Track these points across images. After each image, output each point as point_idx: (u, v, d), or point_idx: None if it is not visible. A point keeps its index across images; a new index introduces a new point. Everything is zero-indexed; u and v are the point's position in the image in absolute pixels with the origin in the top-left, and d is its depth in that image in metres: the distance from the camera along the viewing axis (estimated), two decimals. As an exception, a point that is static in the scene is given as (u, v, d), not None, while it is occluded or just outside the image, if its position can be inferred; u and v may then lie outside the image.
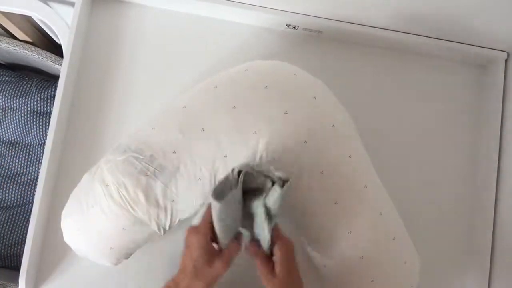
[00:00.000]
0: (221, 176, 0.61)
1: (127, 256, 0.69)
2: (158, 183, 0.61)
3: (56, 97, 0.74)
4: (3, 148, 0.96)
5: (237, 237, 0.58)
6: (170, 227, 0.65)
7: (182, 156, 0.61)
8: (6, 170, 0.96)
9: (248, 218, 0.59)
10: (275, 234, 0.58)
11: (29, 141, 0.95)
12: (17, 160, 0.95)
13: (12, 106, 0.93)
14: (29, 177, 0.95)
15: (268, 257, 0.58)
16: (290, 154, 0.61)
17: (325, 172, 0.62)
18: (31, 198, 0.95)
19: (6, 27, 0.89)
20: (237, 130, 0.60)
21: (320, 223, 0.64)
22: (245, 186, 0.57)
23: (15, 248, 0.92)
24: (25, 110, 0.92)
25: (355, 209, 0.64)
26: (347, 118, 0.67)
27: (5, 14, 0.84)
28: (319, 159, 0.61)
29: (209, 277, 0.55)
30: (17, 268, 0.86)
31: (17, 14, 0.80)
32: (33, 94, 0.92)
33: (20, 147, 0.96)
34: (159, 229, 0.64)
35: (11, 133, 0.95)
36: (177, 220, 0.65)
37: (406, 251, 0.68)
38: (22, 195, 0.95)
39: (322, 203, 0.63)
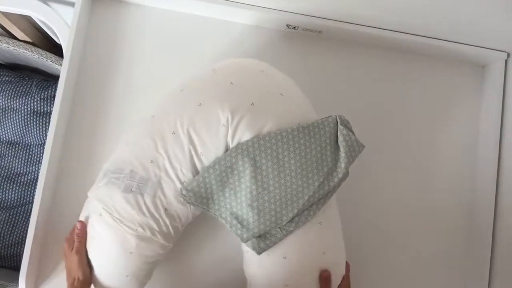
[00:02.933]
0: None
1: (148, 277, 0.68)
2: (146, 195, 0.61)
3: (56, 97, 0.74)
4: (3, 148, 0.96)
5: None
6: (175, 234, 0.65)
7: (161, 163, 0.62)
8: (6, 170, 0.96)
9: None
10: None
11: (29, 141, 0.95)
12: (17, 160, 0.95)
13: (12, 106, 0.93)
14: (29, 177, 0.95)
15: None
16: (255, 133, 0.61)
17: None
18: (31, 198, 0.94)
19: (6, 27, 0.89)
20: (205, 126, 0.61)
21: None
22: None
23: (15, 248, 0.92)
24: (25, 110, 0.92)
25: None
26: (314, 117, 0.66)
27: (5, 14, 0.84)
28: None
29: None
30: (17, 268, 0.86)
31: (17, 14, 0.80)
32: (33, 94, 0.92)
33: (20, 147, 0.96)
34: (165, 240, 0.64)
35: (11, 133, 0.95)
36: (180, 226, 0.66)
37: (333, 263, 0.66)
38: (22, 195, 0.95)
39: None
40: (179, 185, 0.62)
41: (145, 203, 0.61)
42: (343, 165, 0.62)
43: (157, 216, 0.62)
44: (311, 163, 0.61)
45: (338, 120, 0.64)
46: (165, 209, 0.63)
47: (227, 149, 0.61)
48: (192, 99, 0.62)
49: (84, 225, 0.65)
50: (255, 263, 0.66)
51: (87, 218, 0.66)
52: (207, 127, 0.61)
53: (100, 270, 0.65)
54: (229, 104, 0.60)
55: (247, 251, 0.67)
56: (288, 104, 0.64)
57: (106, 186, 0.62)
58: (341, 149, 0.62)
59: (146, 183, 0.62)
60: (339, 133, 0.63)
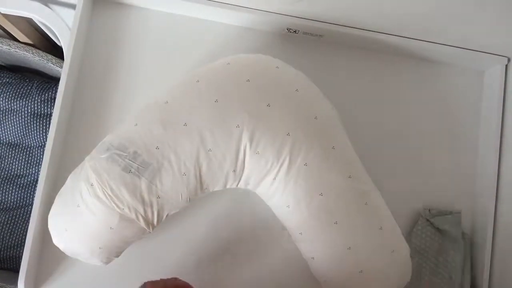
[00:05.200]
0: (205, 170, 0.62)
1: (118, 254, 0.69)
2: (143, 179, 0.61)
3: (56, 99, 0.74)
4: (3, 150, 0.96)
5: None
6: (158, 222, 0.65)
7: (166, 151, 0.61)
8: (6, 172, 0.95)
9: None
10: None
11: (29, 143, 0.95)
12: (17, 162, 0.95)
13: (13, 108, 0.93)
14: (29, 179, 0.95)
15: None
16: (273, 147, 0.61)
17: (309, 164, 0.62)
18: (30, 200, 0.94)
19: (7, 29, 0.89)
20: (219, 124, 0.61)
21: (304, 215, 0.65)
22: None
23: (14, 250, 0.92)
24: (26, 112, 0.92)
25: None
26: (331, 109, 0.67)
27: (6, 16, 0.84)
28: (303, 151, 0.62)
29: None
30: (16, 270, 0.86)
31: (18, 16, 0.80)
32: (34, 96, 0.92)
33: (20, 149, 0.96)
34: (147, 226, 0.64)
35: (11, 135, 0.95)
36: (165, 215, 0.65)
37: (394, 241, 0.68)
38: (22, 197, 0.95)
39: (306, 194, 0.63)
40: (178, 176, 0.62)
41: (140, 186, 0.61)
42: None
43: (147, 201, 0.62)
44: None
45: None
46: (158, 197, 0.62)
47: (238, 149, 0.62)
48: (208, 94, 0.62)
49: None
50: (324, 263, 0.67)
51: (76, 183, 0.64)
52: (221, 126, 0.61)
53: (78, 235, 0.64)
54: (245, 105, 0.61)
55: (312, 257, 0.68)
56: (304, 100, 0.64)
57: (106, 160, 0.62)
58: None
59: (147, 167, 0.61)
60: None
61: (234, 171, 0.64)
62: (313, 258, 0.68)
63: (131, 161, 0.61)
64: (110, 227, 0.63)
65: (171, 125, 0.62)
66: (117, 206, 0.61)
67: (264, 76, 0.64)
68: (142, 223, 0.63)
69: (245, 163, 0.63)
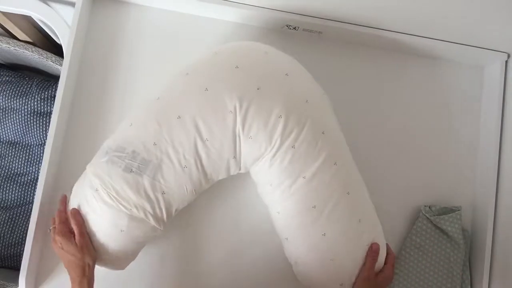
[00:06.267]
0: (206, 160, 0.62)
1: (133, 257, 0.69)
2: (145, 177, 0.62)
3: (56, 97, 0.74)
4: (3, 148, 0.96)
5: None
6: (167, 218, 0.65)
7: (163, 146, 0.62)
8: (6, 170, 0.95)
9: None
10: None
11: (29, 141, 0.95)
12: (17, 160, 0.95)
13: (13, 106, 0.93)
14: (29, 177, 0.95)
15: None
16: (265, 131, 0.61)
17: (296, 148, 0.62)
18: (31, 198, 0.94)
19: (6, 27, 0.89)
20: (212, 112, 0.61)
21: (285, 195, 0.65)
22: None
23: (15, 248, 0.92)
24: (26, 110, 0.92)
25: None
26: (322, 94, 0.67)
27: (6, 14, 0.84)
28: (293, 134, 0.62)
29: None
30: (17, 268, 0.86)
31: (17, 14, 0.80)
32: (34, 94, 0.92)
33: (20, 147, 0.96)
34: (157, 223, 0.64)
35: (12, 133, 0.95)
36: (174, 210, 0.66)
37: (372, 236, 0.67)
38: (22, 195, 0.95)
39: (289, 176, 0.63)
40: (179, 170, 0.62)
41: (143, 184, 0.62)
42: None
43: (153, 198, 0.62)
44: None
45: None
46: (163, 192, 0.63)
47: (234, 135, 0.62)
48: (198, 84, 0.63)
49: (77, 211, 0.64)
50: (297, 245, 0.67)
51: (81, 192, 0.65)
52: (214, 113, 0.61)
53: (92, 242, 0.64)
54: (236, 90, 0.61)
55: (286, 238, 0.67)
56: (294, 83, 0.64)
57: (106, 164, 0.62)
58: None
59: (147, 165, 0.62)
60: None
61: (235, 157, 0.64)
62: (287, 238, 0.67)
63: (131, 160, 0.62)
64: (121, 230, 0.63)
65: (165, 120, 0.62)
66: (124, 207, 0.62)
67: (252, 62, 0.64)
68: (151, 221, 0.63)
69: (241, 148, 0.63)
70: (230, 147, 0.63)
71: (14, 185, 0.95)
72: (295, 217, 0.65)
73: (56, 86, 0.85)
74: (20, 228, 0.93)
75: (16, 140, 0.96)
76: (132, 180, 0.62)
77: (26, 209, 0.94)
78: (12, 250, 0.92)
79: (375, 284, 0.65)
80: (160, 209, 0.64)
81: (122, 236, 0.64)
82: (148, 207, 0.62)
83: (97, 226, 0.63)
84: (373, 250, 0.66)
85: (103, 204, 0.62)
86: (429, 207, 0.79)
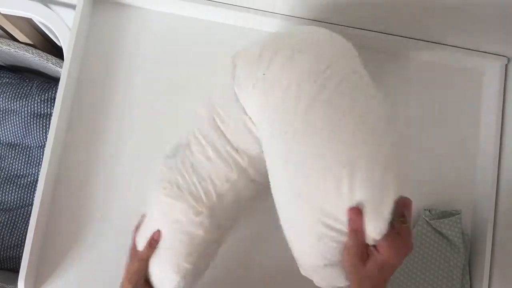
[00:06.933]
0: (228, 131, 0.61)
1: (196, 271, 0.64)
2: (178, 157, 0.64)
3: (56, 99, 0.74)
4: (3, 150, 0.96)
5: None
6: (207, 200, 0.61)
7: (190, 128, 0.64)
8: (6, 172, 0.96)
9: None
10: None
11: (29, 143, 0.95)
12: (17, 162, 0.95)
13: (13, 108, 0.93)
14: (29, 179, 0.95)
15: None
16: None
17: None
18: (31, 200, 0.94)
19: (7, 29, 0.89)
20: (222, 89, 0.63)
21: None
22: None
23: (15, 250, 0.92)
24: (26, 112, 0.92)
25: None
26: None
27: (6, 16, 0.84)
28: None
29: None
30: (16, 270, 0.86)
31: (18, 16, 0.80)
32: (34, 96, 0.92)
33: (20, 149, 0.96)
34: (195, 200, 0.60)
35: (12, 135, 0.95)
36: (212, 189, 0.61)
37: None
38: (22, 197, 0.95)
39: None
40: (204, 143, 0.62)
41: (175, 162, 0.63)
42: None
43: (183, 171, 0.62)
44: None
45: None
46: (192, 164, 0.62)
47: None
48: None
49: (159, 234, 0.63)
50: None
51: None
52: (223, 89, 0.62)
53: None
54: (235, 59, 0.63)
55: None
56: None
57: (162, 166, 0.65)
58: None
59: (179, 147, 0.64)
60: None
61: (246, 114, 0.59)
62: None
63: (173, 153, 0.65)
64: (177, 220, 0.61)
65: (199, 110, 0.65)
66: (162, 187, 0.62)
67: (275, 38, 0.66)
68: (186, 194, 0.61)
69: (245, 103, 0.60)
70: (240, 108, 0.60)
71: (14, 187, 0.95)
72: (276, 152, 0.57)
73: (56, 88, 0.85)
74: (19, 230, 0.93)
75: (16, 142, 0.96)
76: (168, 162, 0.64)
77: (26, 211, 0.94)
78: (11, 252, 0.92)
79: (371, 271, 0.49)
80: (194, 183, 0.61)
81: (174, 232, 0.62)
82: (179, 179, 0.62)
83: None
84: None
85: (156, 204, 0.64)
86: (429, 210, 0.79)
